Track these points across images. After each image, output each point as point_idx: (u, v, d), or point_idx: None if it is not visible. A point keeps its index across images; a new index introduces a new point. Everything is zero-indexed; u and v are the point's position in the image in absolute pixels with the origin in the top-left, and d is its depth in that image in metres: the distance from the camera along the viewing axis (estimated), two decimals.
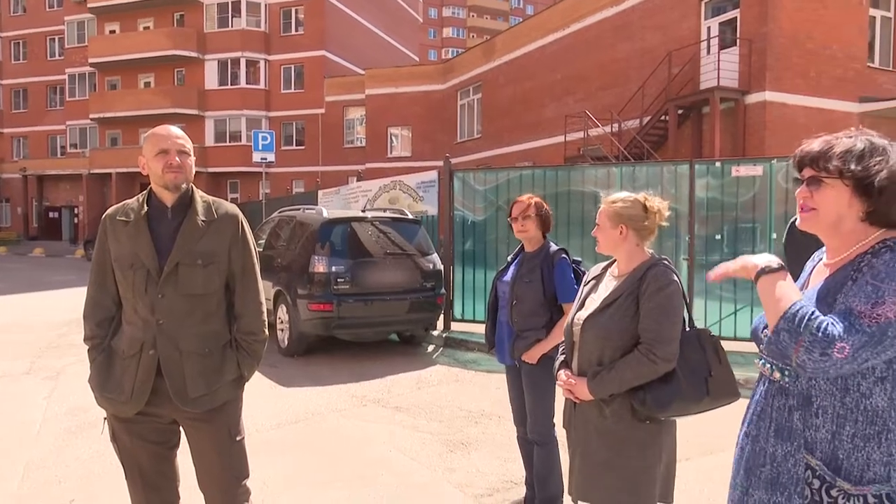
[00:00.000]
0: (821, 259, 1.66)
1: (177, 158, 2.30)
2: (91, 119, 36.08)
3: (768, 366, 1.62)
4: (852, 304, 1.41)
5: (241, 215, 2.48)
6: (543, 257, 3.34)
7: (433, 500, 3.66)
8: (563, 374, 2.46)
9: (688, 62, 15.96)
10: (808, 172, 1.56)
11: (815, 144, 1.56)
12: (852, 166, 1.48)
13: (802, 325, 1.40)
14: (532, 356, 3.24)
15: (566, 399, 2.49)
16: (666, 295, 2.26)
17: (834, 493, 1.45)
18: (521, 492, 3.77)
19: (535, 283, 3.28)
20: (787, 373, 1.56)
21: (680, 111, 16.00)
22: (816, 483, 1.47)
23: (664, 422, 2.30)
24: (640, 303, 2.28)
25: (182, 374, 2.28)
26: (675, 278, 2.32)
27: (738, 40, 15.32)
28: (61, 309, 11.63)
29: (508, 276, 3.45)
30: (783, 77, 14.75)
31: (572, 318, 2.48)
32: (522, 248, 3.51)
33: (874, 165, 1.47)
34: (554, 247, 3.39)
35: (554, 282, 3.29)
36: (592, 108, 18.47)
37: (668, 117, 16.12)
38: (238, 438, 2.43)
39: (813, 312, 1.41)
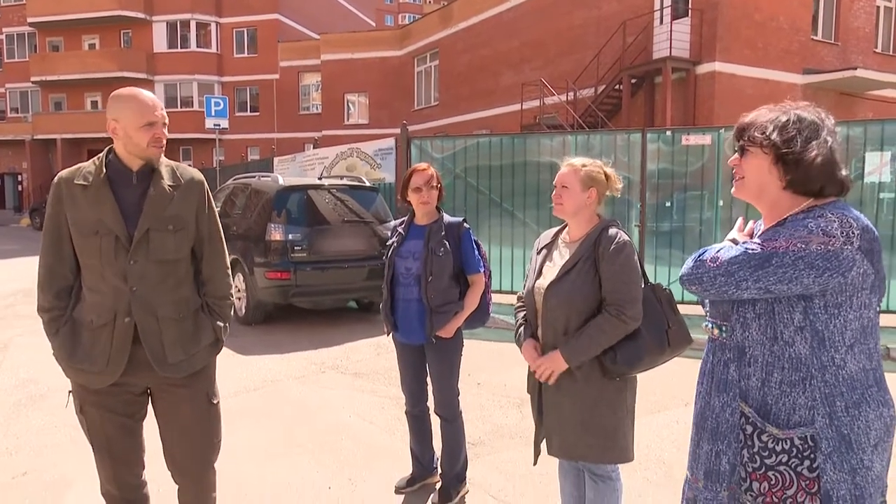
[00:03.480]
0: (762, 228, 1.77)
1: (164, 132, 2.25)
2: (32, 82, 34.45)
3: (710, 325, 1.74)
4: (753, 242, 1.60)
5: (205, 180, 2.45)
6: (447, 229, 3.21)
7: (392, 464, 3.76)
8: (531, 349, 2.50)
9: (642, 31, 16.12)
10: (739, 142, 1.68)
11: (745, 116, 1.67)
12: (772, 137, 1.59)
13: (700, 253, 1.66)
14: (449, 330, 3.16)
15: (531, 365, 2.57)
16: (626, 255, 2.35)
17: (764, 437, 1.57)
18: (479, 452, 3.91)
19: (447, 257, 3.15)
20: (724, 329, 1.68)
21: (633, 80, 16.20)
22: (749, 429, 1.60)
23: (628, 379, 2.42)
24: (598, 266, 2.35)
25: (160, 340, 2.25)
26: (628, 238, 2.41)
27: (689, 10, 15.52)
28: (7, 280, 11.28)
29: (413, 251, 3.24)
30: (732, 48, 15.04)
31: (532, 287, 2.53)
32: (410, 221, 3.34)
33: (793, 137, 1.58)
34: (451, 217, 3.27)
35: (462, 253, 3.21)
36: (549, 75, 18.53)
37: (622, 86, 16.30)
38: (215, 401, 2.45)
39: (714, 253, 1.64)
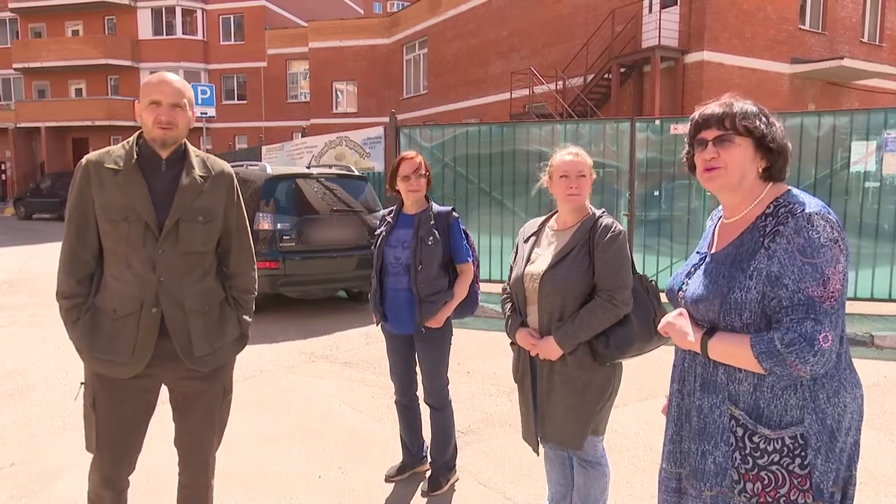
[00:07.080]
0: (720, 217, 1.76)
1: (166, 114, 2.15)
2: (15, 69, 33.94)
3: None
4: (808, 292, 1.47)
5: (234, 173, 2.42)
6: (436, 218, 3.20)
7: (382, 452, 3.77)
8: (525, 335, 2.52)
9: (630, 20, 16.11)
10: (713, 133, 1.63)
11: (715, 107, 1.64)
12: (759, 125, 1.60)
13: (779, 350, 1.46)
14: (439, 320, 3.15)
15: (518, 351, 2.59)
16: (619, 244, 2.41)
17: (756, 438, 1.57)
18: (469, 440, 3.93)
19: (436, 246, 3.14)
20: None
21: (622, 69, 16.20)
22: (740, 431, 1.59)
23: (616, 365, 2.48)
24: (593, 253, 2.40)
25: (187, 332, 2.22)
26: (621, 227, 2.47)
27: None
28: None
29: (402, 240, 3.22)
30: (720, 37, 15.07)
31: (522, 273, 2.55)
32: (399, 210, 3.33)
33: (772, 125, 1.62)
34: (440, 207, 3.27)
35: (451, 242, 3.20)
36: (538, 64, 18.50)
37: (611, 75, 16.30)
38: (229, 396, 2.47)
39: (773, 336, 1.48)
